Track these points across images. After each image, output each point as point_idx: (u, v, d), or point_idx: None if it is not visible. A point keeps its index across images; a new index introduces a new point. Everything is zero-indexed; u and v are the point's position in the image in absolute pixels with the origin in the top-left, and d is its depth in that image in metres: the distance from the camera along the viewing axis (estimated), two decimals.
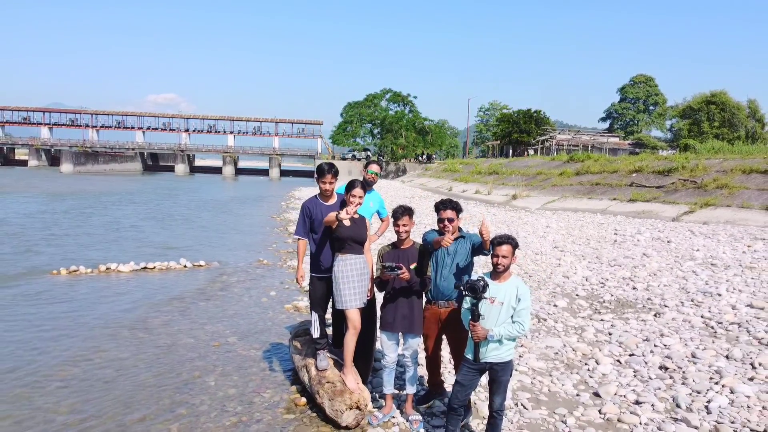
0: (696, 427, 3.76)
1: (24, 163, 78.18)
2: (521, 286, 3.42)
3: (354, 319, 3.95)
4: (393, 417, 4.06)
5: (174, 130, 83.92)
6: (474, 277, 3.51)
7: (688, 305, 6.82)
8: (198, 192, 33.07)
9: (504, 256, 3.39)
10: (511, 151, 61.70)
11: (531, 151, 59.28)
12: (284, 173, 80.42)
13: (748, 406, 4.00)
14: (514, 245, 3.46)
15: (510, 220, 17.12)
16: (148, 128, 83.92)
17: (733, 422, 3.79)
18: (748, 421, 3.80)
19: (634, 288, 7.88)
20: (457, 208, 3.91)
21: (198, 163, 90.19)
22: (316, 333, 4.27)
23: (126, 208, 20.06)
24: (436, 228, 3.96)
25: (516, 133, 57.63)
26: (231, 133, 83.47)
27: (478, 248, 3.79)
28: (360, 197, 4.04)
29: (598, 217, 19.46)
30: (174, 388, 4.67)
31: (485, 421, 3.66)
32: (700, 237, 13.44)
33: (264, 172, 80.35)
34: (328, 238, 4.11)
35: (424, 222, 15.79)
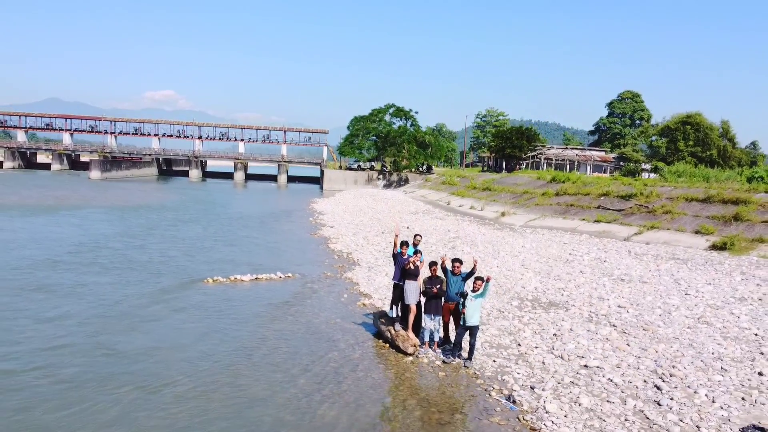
0: (555, 355, 8.99)
1: (46, 166, 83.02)
2: (481, 299, 8.68)
3: (413, 308, 9.21)
4: (428, 351, 9.30)
5: (188, 137, 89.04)
6: (464, 290, 8.75)
7: (586, 306, 12.06)
8: (231, 206, 38.11)
9: (477, 284, 8.63)
10: (504, 163, 66.97)
11: (523, 165, 64.64)
12: (291, 179, 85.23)
13: (582, 347, 9.25)
14: (485, 280, 8.67)
15: (495, 240, 22.32)
16: (164, 135, 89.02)
17: (570, 353, 9.03)
18: (579, 353, 9.03)
19: (561, 295, 13.14)
20: (460, 260, 9.14)
21: (209, 167, 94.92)
22: (393, 314, 9.53)
23: (192, 227, 24.94)
24: (450, 268, 9.21)
25: (509, 149, 62.87)
26: (242, 140, 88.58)
27: (467, 277, 9.02)
28: (420, 257, 9.30)
29: (566, 237, 24.64)
30: (321, 342, 9.88)
31: (467, 352, 8.91)
32: (630, 257, 18.70)
33: (273, 178, 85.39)
34: (403, 271, 9.34)
35: (430, 241, 21.01)
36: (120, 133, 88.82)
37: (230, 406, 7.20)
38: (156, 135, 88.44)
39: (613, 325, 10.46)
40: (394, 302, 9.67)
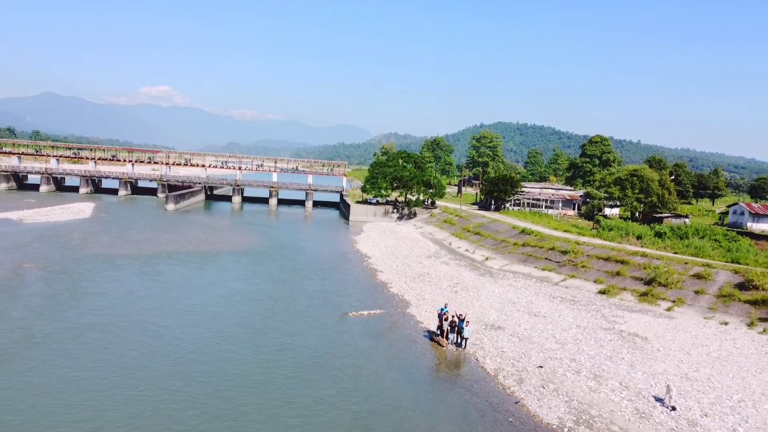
0: (494, 347, 26.54)
1: (113, 191, 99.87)
2: (470, 328, 26.33)
3: (445, 330, 26.89)
4: (450, 345, 26.91)
5: (230, 167, 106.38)
6: (463, 326, 26.39)
7: (512, 328, 29.64)
8: (299, 249, 55.24)
9: (466, 323, 26.29)
10: (493, 201, 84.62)
11: (507, 205, 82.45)
12: (314, 204, 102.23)
13: (504, 345, 26.83)
14: (468, 322, 26.31)
15: (479, 286, 39.80)
16: (210, 166, 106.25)
17: (498, 347, 26.61)
18: (501, 347, 26.60)
19: (503, 323, 30.69)
20: (464, 319, 26.77)
21: (245, 194, 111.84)
22: (438, 332, 27.20)
23: (302, 278, 42.35)
24: (458, 317, 26.82)
25: (496, 192, 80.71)
26: (275, 171, 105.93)
27: (464, 321, 26.68)
28: (448, 314, 27.09)
29: (521, 281, 42.24)
30: (414, 344, 27.39)
31: (464, 346, 26.56)
32: (547, 300, 36.26)
33: (300, 203, 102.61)
34: (441, 318, 27.01)
35: (443, 286, 38.47)
36: (174, 164, 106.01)
37: (401, 367, 24.76)
38: (203, 165, 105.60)
39: (518, 337, 28.03)
40: (438, 328, 27.22)
